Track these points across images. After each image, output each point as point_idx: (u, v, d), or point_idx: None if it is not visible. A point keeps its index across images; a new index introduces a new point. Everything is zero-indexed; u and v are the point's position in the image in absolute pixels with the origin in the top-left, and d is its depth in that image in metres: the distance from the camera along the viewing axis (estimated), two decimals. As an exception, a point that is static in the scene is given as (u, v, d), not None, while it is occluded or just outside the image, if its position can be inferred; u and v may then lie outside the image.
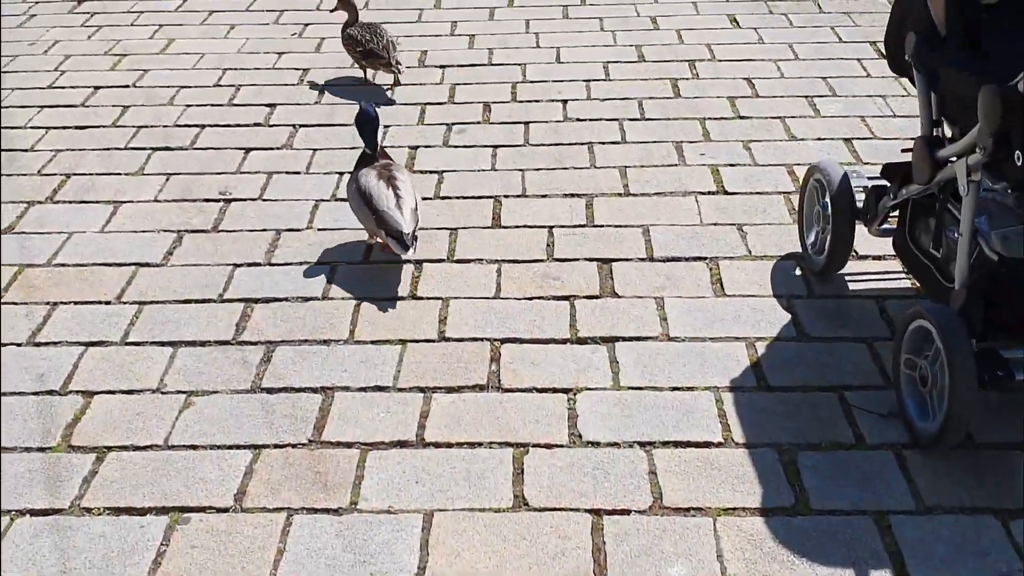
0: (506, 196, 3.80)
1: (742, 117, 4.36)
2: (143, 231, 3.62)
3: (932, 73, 2.67)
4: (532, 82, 4.76)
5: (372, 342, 3.01)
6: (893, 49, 2.86)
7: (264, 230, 3.61)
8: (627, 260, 3.38)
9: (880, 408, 2.69)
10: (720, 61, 4.91)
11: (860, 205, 3.11)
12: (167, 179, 3.98)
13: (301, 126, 4.38)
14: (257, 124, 4.41)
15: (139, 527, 2.39)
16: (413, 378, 2.86)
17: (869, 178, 3.12)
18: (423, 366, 2.91)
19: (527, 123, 4.37)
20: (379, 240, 3.33)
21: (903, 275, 3.24)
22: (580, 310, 3.14)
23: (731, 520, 2.38)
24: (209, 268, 3.39)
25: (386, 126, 4.37)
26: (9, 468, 2.57)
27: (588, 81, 4.74)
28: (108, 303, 3.23)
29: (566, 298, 3.20)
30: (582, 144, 4.17)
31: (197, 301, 3.23)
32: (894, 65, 2.90)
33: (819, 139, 4.15)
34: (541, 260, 3.39)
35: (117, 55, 5.17)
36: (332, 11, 5.09)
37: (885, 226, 3.09)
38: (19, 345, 3.04)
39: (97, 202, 3.82)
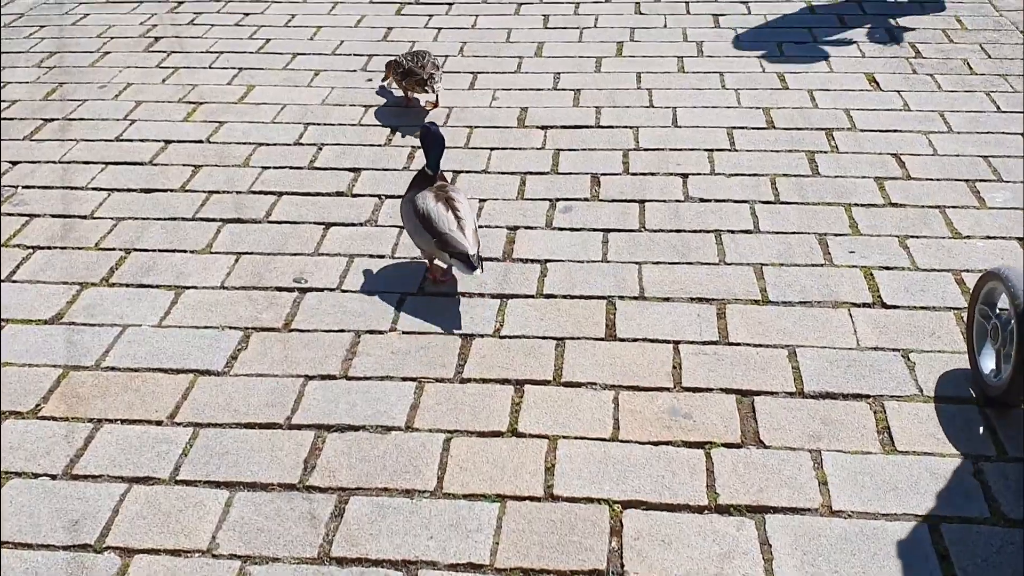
0: (621, 297, 3.26)
1: (894, 204, 3.75)
2: (205, 327, 3.17)
3: None
4: (646, 150, 4.22)
5: (465, 496, 2.50)
6: None
7: (342, 331, 3.13)
8: (772, 394, 2.82)
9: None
10: (862, 131, 4.31)
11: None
12: (236, 260, 3.52)
13: (387, 197, 3.90)
14: (339, 193, 3.95)
15: None
16: (514, 554, 2.34)
17: None
18: (527, 537, 2.38)
19: (642, 202, 3.82)
20: (438, 264, 3.30)
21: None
22: (718, 463, 2.58)
23: None
24: (277, 380, 2.92)
25: (481, 199, 3.87)
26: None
27: (711, 151, 4.18)
28: (159, 423, 2.77)
29: (700, 445, 2.65)
30: (707, 232, 3.61)
31: (261, 426, 2.75)
32: None
33: (988, 237, 3.53)
34: (666, 388, 2.85)
35: (192, 103, 4.76)
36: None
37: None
38: (54, 478, 2.59)
39: (157, 287, 3.38)
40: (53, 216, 3.82)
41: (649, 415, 2.75)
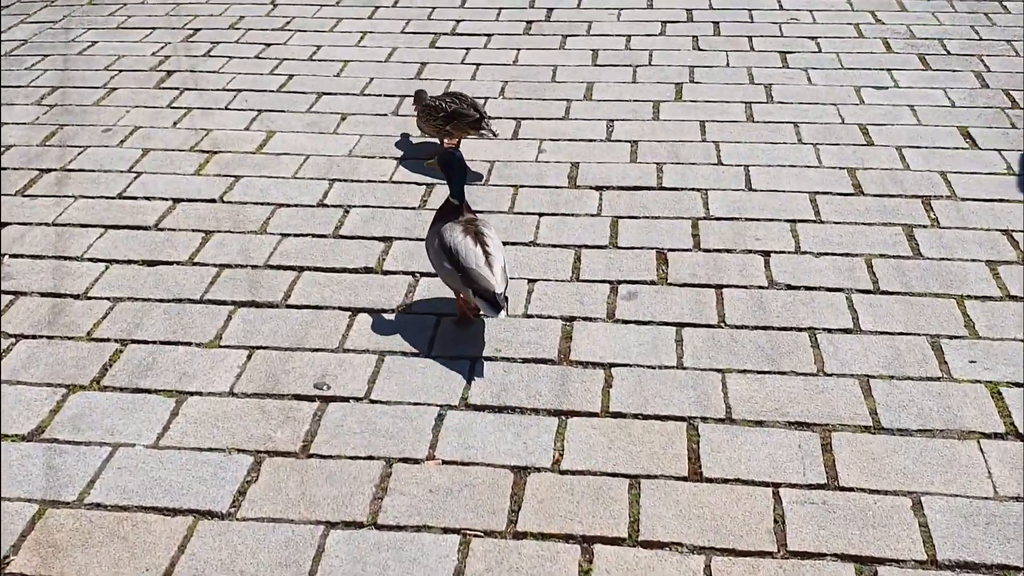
0: (704, 419, 2.74)
1: (1012, 297, 3.22)
2: (210, 448, 2.67)
3: None
4: (718, 219, 3.69)
5: None
6: None
7: (371, 458, 2.63)
8: (898, 563, 2.29)
9: None
10: (963, 200, 3.77)
11: None
12: (249, 356, 3.03)
13: (423, 275, 3.40)
14: (368, 269, 3.45)
15: None
16: None
17: None
18: None
19: (719, 287, 3.30)
20: (464, 300, 3.08)
21: None
22: (842, 670, 2.07)
23: None
24: (293, 529, 2.42)
25: (530, 279, 3.36)
26: None
27: (793, 222, 3.66)
28: (150, 588, 2.28)
29: (817, 640, 2.13)
30: (800, 330, 3.08)
31: (273, 596, 2.26)
32: None
33: None
34: (769, 554, 2.32)
35: (205, 152, 4.27)
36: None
37: None
38: (15, 669, 2.11)
39: (156, 392, 2.88)
40: (42, 295, 3.33)
41: (750, 591, 2.23)
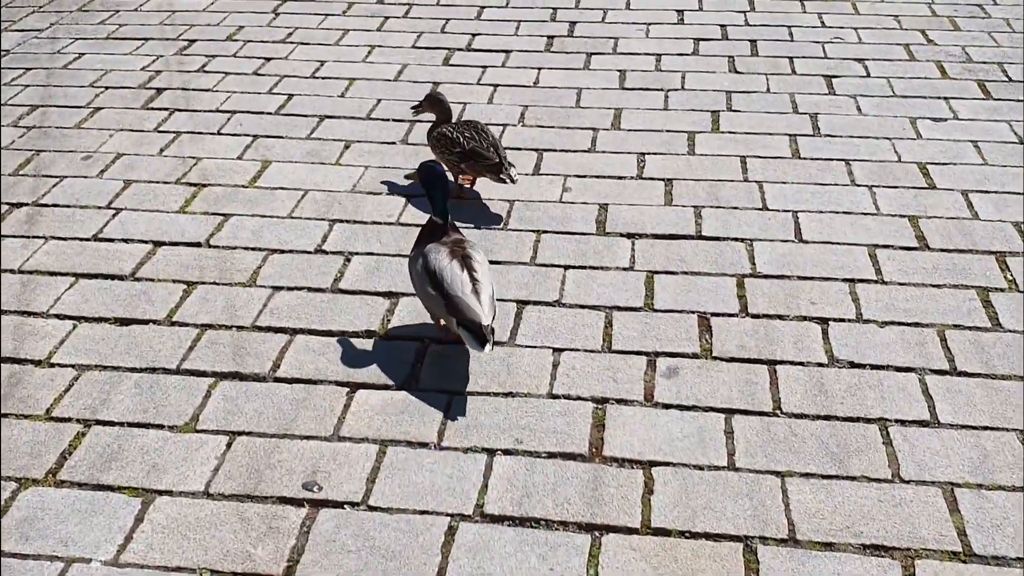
0: (763, 539, 2.32)
1: (1113, 381, 2.80)
2: (177, 569, 2.26)
3: None
4: (766, 276, 3.27)
5: None
6: None
7: (369, 584, 2.22)
8: None
9: None
10: (1044, 257, 3.35)
11: None
12: (229, 445, 2.61)
13: (432, 341, 2.99)
14: (370, 333, 3.03)
15: None
16: None
17: None
18: None
19: (772, 363, 2.88)
20: (447, 328, 2.87)
21: None
22: None
23: None
24: None
25: (556, 348, 2.94)
26: None
27: (852, 282, 3.23)
28: None
29: None
30: (869, 421, 2.66)
31: None
32: None
33: None
34: None
35: (192, 184, 3.85)
36: (415, 111, 3.86)
37: None
38: None
39: (121, 489, 2.47)
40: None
41: None
